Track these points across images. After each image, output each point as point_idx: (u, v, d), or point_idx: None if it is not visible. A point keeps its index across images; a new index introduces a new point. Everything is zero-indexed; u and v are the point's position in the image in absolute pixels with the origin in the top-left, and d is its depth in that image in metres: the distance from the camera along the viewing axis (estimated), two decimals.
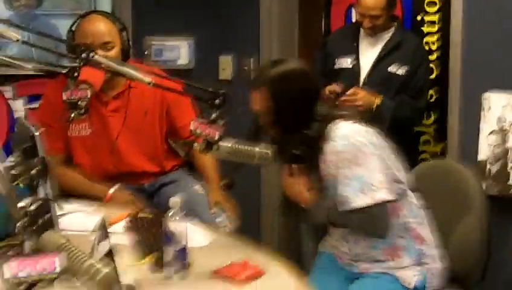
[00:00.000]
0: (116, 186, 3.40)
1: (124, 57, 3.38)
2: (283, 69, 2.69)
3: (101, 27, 3.34)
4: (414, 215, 2.74)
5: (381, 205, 2.56)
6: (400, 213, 2.70)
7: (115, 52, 3.32)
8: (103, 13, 3.52)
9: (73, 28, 3.38)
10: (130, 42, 3.44)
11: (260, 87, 2.67)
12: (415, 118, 4.00)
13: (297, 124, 2.62)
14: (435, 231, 2.79)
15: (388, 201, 2.58)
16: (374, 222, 2.60)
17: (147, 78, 2.48)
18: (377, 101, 3.74)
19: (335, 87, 3.81)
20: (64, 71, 2.65)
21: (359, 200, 2.54)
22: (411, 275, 2.69)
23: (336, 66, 4.01)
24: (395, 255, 2.71)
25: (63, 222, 2.43)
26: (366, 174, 2.54)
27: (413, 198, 2.75)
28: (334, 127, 2.61)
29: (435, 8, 4.20)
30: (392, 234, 2.68)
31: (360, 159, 2.55)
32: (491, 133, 3.61)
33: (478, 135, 3.65)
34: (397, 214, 2.69)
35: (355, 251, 2.75)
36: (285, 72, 2.68)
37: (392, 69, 3.85)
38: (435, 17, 4.16)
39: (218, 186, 3.41)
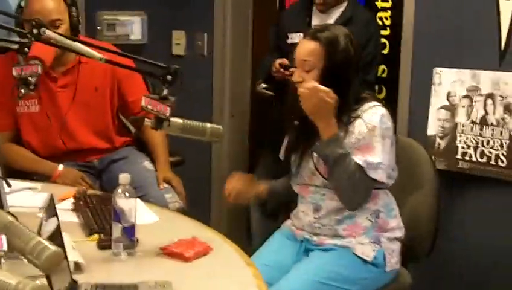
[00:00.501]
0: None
1: (74, 33, 3.35)
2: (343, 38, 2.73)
3: (49, 4, 3.31)
4: (386, 205, 2.80)
5: (374, 183, 2.67)
6: (378, 201, 2.78)
7: (63, 29, 3.29)
8: None
9: (22, 4, 3.35)
10: (80, 18, 3.41)
11: (316, 40, 2.71)
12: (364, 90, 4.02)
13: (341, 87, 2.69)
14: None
15: (381, 183, 2.69)
16: (363, 189, 2.68)
17: (98, 54, 2.46)
18: None
19: (284, 60, 3.83)
20: (14, 47, 2.63)
21: (378, 174, 2.65)
22: (370, 249, 2.74)
23: (289, 41, 4.01)
24: (356, 233, 2.76)
25: (11, 200, 2.42)
26: (380, 154, 2.65)
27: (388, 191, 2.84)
28: (369, 104, 2.72)
29: None
30: (362, 214, 2.76)
31: (385, 141, 2.67)
32: (440, 108, 3.65)
33: (428, 110, 3.69)
34: (375, 201, 2.78)
35: (320, 221, 2.79)
36: (346, 35, 2.74)
37: None
38: None
39: (166, 163, 3.44)
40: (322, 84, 2.66)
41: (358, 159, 2.63)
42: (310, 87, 2.64)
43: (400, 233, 2.83)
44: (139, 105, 3.22)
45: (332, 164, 2.63)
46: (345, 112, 2.71)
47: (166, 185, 3.34)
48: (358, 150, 2.66)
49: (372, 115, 2.68)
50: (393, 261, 2.79)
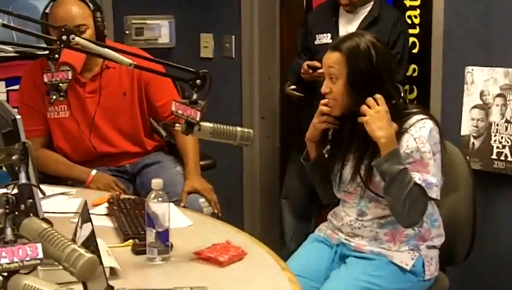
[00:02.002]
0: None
1: (99, 38, 3.35)
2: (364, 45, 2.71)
3: (72, 10, 3.32)
4: (430, 215, 2.77)
5: (430, 201, 2.66)
6: None
7: (87, 34, 3.30)
8: None
9: (46, 11, 3.37)
10: (105, 23, 3.42)
11: (338, 51, 2.70)
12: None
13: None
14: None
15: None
16: (419, 208, 2.63)
17: (128, 60, 2.46)
18: None
19: (315, 62, 3.82)
20: (42, 53, 2.63)
21: (435, 192, 2.62)
22: (408, 257, 2.71)
23: (317, 42, 4.02)
24: (396, 239, 2.73)
25: (46, 205, 2.42)
26: (435, 171, 2.62)
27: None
28: (417, 117, 2.68)
29: None
30: None
31: (436, 156, 2.64)
32: (473, 107, 3.61)
33: (460, 109, 3.65)
34: None
35: (363, 223, 2.76)
36: (369, 41, 2.72)
37: None
38: None
39: (194, 171, 3.39)
40: (349, 92, 2.67)
41: (418, 178, 2.59)
42: (377, 111, 2.62)
43: (439, 241, 2.80)
44: (168, 109, 3.25)
45: (391, 180, 2.58)
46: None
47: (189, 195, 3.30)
48: (413, 168, 2.61)
49: (421, 130, 2.63)
50: (432, 269, 2.75)
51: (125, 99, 3.49)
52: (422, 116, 2.69)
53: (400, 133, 2.66)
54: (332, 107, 2.75)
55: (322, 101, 2.83)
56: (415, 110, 2.74)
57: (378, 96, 2.64)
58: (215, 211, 3.22)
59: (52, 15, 3.34)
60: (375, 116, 2.61)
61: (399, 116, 2.68)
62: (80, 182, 3.35)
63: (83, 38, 3.07)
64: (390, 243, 2.73)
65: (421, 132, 2.63)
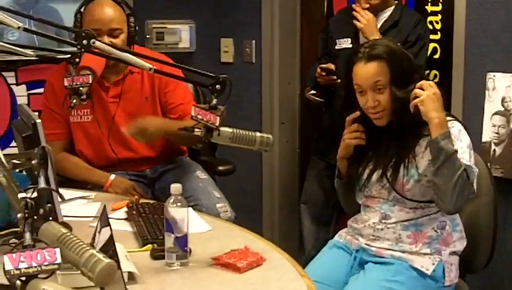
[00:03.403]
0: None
1: (130, 42, 3.36)
2: (389, 43, 2.75)
3: (110, 13, 3.33)
4: (452, 219, 2.77)
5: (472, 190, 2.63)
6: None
7: (121, 39, 3.31)
8: None
9: (81, 10, 3.36)
10: (137, 28, 3.42)
11: (377, 59, 2.69)
12: None
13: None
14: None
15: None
16: (466, 193, 2.60)
17: (148, 64, 2.47)
18: None
19: (328, 65, 3.83)
20: (63, 57, 2.64)
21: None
22: (429, 262, 2.70)
23: (337, 47, 4.01)
24: (419, 241, 2.72)
25: (65, 209, 2.43)
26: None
27: None
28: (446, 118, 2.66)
29: None
30: (429, 225, 2.73)
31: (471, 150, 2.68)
32: (495, 113, 3.59)
33: (482, 116, 3.62)
34: (443, 212, 2.74)
35: (386, 225, 2.75)
36: (394, 46, 2.75)
37: None
38: None
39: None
40: (396, 96, 2.66)
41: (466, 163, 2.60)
42: (434, 93, 2.60)
43: (461, 245, 2.79)
44: (178, 110, 3.25)
45: (445, 159, 2.54)
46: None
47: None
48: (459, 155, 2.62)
49: (451, 129, 2.63)
50: (452, 275, 2.73)
51: (147, 104, 3.50)
52: (449, 117, 2.70)
53: (424, 135, 2.67)
54: (381, 119, 2.73)
55: (349, 117, 2.81)
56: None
57: (431, 82, 2.65)
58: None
59: (88, 15, 3.33)
60: (432, 97, 2.59)
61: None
62: (99, 186, 3.35)
63: (114, 43, 3.11)
64: (412, 245, 2.72)
65: (451, 130, 2.62)
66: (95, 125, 3.46)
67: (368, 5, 3.86)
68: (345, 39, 3.98)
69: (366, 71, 2.70)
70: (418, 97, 2.60)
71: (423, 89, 2.61)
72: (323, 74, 3.86)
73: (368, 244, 2.80)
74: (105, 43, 2.56)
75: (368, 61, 2.70)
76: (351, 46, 3.93)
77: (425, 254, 2.71)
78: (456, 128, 2.66)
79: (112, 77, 3.43)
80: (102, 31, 3.27)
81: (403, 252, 2.72)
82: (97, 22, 3.27)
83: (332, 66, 3.85)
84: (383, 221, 2.77)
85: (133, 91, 3.47)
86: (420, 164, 2.68)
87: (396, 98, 2.67)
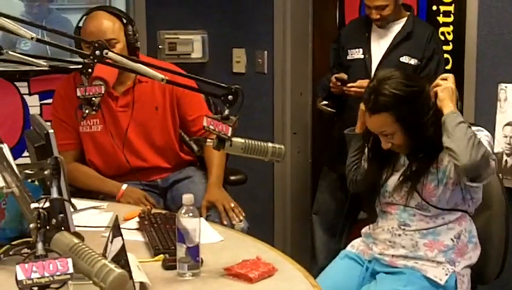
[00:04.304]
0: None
1: (131, 51, 3.38)
2: (396, 87, 2.74)
3: (103, 25, 3.35)
4: (469, 230, 2.79)
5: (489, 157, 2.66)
6: (462, 222, 2.79)
7: (118, 48, 3.32)
8: (108, 8, 3.52)
9: (80, 25, 3.40)
10: (137, 36, 3.44)
11: (381, 112, 2.73)
12: None
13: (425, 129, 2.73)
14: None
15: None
16: (484, 152, 2.62)
17: (160, 75, 2.47)
18: None
19: (342, 75, 3.84)
20: (78, 67, 2.65)
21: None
22: (442, 273, 2.71)
23: (349, 57, 4.02)
24: (435, 249, 2.73)
25: (77, 219, 2.44)
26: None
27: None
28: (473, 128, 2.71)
29: None
30: (447, 234, 2.76)
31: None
32: (507, 124, 3.58)
33: (494, 126, 3.62)
34: (460, 222, 2.78)
35: (404, 232, 2.77)
36: (400, 90, 2.73)
37: (404, 59, 3.84)
38: (451, 7, 4.12)
39: (214, 185, 3.38)
40: (409, 135, 2.72)
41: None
42: (452, 87, 2.71)
43: (475, 258, 2.79)
44: (198, 123, 3.25)
45: (455, 124, 2.62)
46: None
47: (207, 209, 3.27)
48: None
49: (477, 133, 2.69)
50: (464, 287, 2.74)
51: (158, 114, 3.50)
52: (476, 127, 2.76)
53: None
54: (401, 152, 2.82)
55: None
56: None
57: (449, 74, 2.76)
58: (224, 222, 3.18)
59: (83, 29, 3.38)
60: (450, 89, 2.69)
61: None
62: (110, 196, 3.36)
63: (113, 52, 3.12)
64: (427, 252, 2.73)
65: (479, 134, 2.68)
66: (105, 135, 3.46)
67: (378, 16, 3.87)
68: (357, 50, 3.99)
69: (371, 123, 2.78)
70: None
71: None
72: (339, 83, 3.87)
73: (381, 254, 2.79)
74: (118, 54, 2.56)
75: (372, 114, 2.75)
76: (362, 56, 3.94)
77: (439, 262, 2.71)
78: (482, 133, 2.74)
79: (120, 86, 3.44)
80: None
81: (418, 259, 2.72)
82: (90, 34, 3.29)
83: (345, 76, 3.86)
84: (402, 227, 2.78)
85: (143, 100, 3.47)
86: (445, 168, 2.72)
87: (410, 135, 2.72)
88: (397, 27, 3.93)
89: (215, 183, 3.39)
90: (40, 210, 1.80)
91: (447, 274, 2.70)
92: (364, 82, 3.77)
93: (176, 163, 3.59)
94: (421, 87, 2.76)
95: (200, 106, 3.56)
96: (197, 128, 3.46)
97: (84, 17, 3.41)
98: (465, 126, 2.61)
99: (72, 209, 2.15)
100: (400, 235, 2.78)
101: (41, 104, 4.52)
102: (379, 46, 3.95)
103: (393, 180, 2.82)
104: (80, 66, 2.56)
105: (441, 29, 4.12)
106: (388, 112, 2.70)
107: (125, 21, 3.42)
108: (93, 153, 3.50)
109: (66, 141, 3.44)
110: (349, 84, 3.85)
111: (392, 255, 2.78)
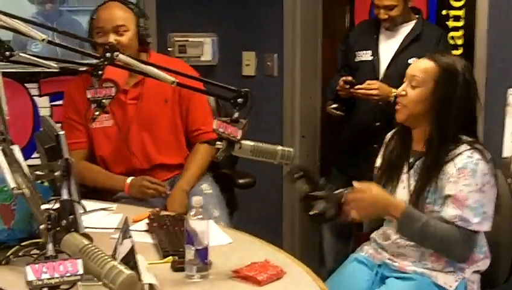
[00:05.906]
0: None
1: (141, 44, 3.40)
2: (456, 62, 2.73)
3: (115, 11, 3.41)
4: (477, 242, 2.76)
5: (479, 234, 2.67)
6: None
7: (127, 37, 3.35)
8: (122, 0, 3.53)
9: (93, 17, 3.44)
10: (148, 30, 3.46)
11: (435, 62, 2.72)
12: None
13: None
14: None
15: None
16: (468, 245, 2.65)
17: (171, 78, 2.48)
18: (394, 92, 3.72)
19: (349, 77, 3.85)
20: (88, 69, 2.66)
21: (477, 225, 2.62)
22: (452, 279, 2.70)
23: (357, 59, 4.02)
24: (441, 259, 2.72)
25: (86, 220, 2.45)
26: (486, 203, 2.64)
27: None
28: (466, 146, 2.68)
29: (461, 3, 4.16)
30: None
31: (485, 187, 2.64)
32: None
33: (502, 131, 3.61)
34: None
35: (409, 243, 2.75)
36: (466, 67, 2.73)
37: (412, 61, 3.83)
38: (460, 12, 4.13)
39: (182, 189, 3.45)
40: (421, 104, 2.69)
41: (455, 213, 2.61)
42: (354, 198, 2.68)
43: (484, 267, 2.78)
44: (195, 124, 3.24)
45: (418, 239, 2.65)
46: (442, 149, 2.69)
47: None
48: (454, 200, 2.62)
49: (467, 159, 2.64)
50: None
51: (167, 107, 3.52)
52: (469, 146, 2.68)
53: (445, 162, 2.65)
54: (399, 111, 2.77)
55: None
56: (469, 139, 2.72)
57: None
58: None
59: (96, 18, 3.43)
60: (361, 203, 2.68)
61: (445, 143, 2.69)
62: (118, 192, 3.41)
63: (120, 40, 3.14)
64: (434, 263, 2.71)
65: (466, 163, 2.63)
66: (117, 128, 3.49)
67: (386, 16, 3.87)
68: (365, 51, 3.98)
69: (418, 63, 2.78)
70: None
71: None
72: (347, 86, 3.86)
73: (391, 259, 2.79)
74: (129, 56, 2.56)
75: (427, 58, 2.75)
76: (371, 58, 3.94)
77: (448, 272, 2.70)
78: (472, 161, 2.65)
79: (130, 79, 3.43)
80: (107, 29, 3.35)
81: (425, 269, 2.72)
82: (101, 21, 3.37)
83: (353, 79, 3.85)
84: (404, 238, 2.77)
85: (152, 93, 3.49)
86: (444, 186, 2.68)
87: (421, 106, 2.70)
88: (406, 29, 3.93)
89: (181, 187, 3.45)
90: (51, 211, 1.81)
91: (457, 281, 2.69)
92: (372, 83, 3.78)
93: (181, 161, 3.60)
94: (465, 92, 2.73)
95: (202, 107, 3.59)
96: (194, 128, 3.54)
97: (97, 7, 3.46)
98: (431, 235, 2.62)
99: (81, 211, 2.16)
100: (404, 247, 2.76)
101: (51, 106, 4.53)
102: (388, 48, 3.95)
103: (399, 193, 2.81)
104: (91, 68, 2.57)
105: (451, 33, 4.12)
106: (439, 66, 2.69)
107: (138, 13, 3.45)
108: (104, 148, 3.53)
109: (75, 140, 3.46)
110: (356, 86, 3.85)
111: (402, 262, 2.77)
